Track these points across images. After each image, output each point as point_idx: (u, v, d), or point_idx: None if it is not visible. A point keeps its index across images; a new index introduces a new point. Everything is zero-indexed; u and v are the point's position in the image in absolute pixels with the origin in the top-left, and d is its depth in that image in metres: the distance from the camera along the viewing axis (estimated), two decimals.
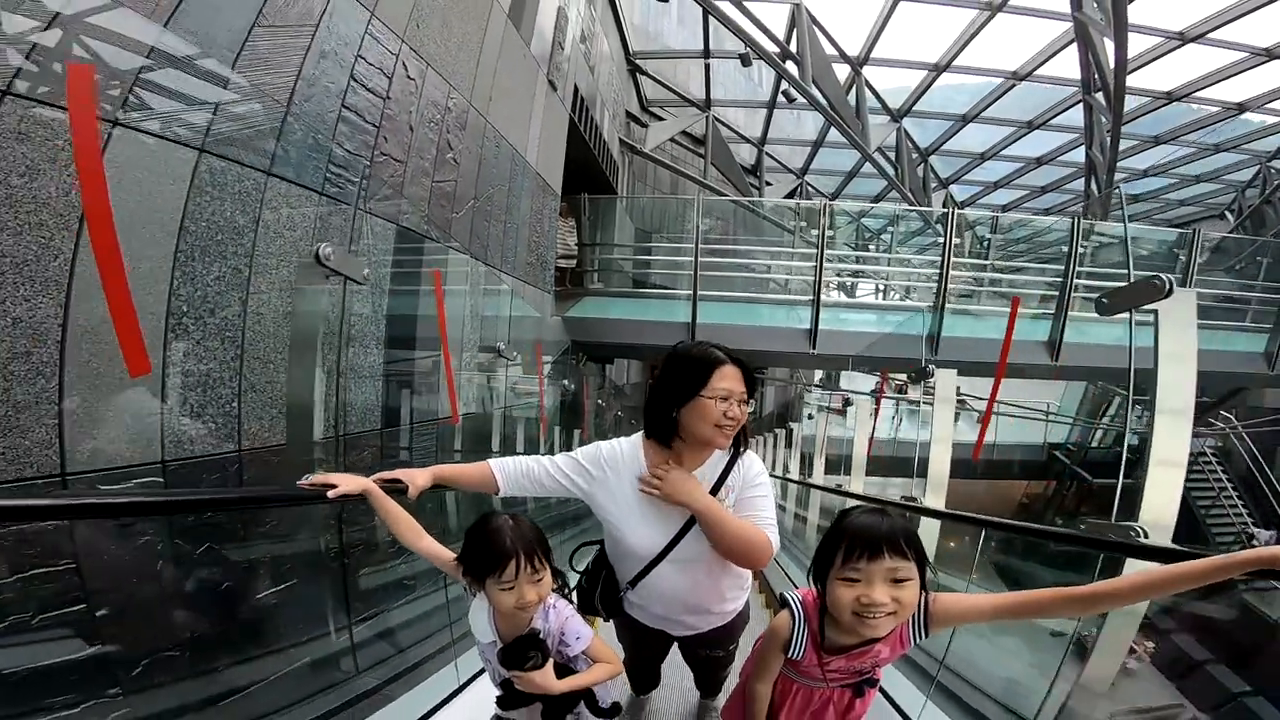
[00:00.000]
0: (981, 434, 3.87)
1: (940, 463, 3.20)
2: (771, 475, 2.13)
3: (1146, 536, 1.59)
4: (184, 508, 1.82)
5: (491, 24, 4.55)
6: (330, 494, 1.47)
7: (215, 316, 2.14)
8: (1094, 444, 15.76)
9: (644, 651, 2.05)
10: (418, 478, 1.62)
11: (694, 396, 1.54)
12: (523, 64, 5.27)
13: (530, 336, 5.90)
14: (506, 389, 5.24)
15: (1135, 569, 1.41)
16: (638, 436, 1.72)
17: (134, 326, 1.66)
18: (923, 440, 4.48)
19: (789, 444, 10.26)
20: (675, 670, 2.25)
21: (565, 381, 7.30)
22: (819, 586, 1.33)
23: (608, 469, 1.67)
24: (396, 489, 1.58)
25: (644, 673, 2.26)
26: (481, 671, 2.26)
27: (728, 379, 1.55)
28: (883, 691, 2.26)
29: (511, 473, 1.70)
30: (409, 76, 3.48)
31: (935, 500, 3.12)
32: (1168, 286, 1.66)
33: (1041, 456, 14.68)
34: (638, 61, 11.07)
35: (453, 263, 4.07)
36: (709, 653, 1.97)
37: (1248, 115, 12.88)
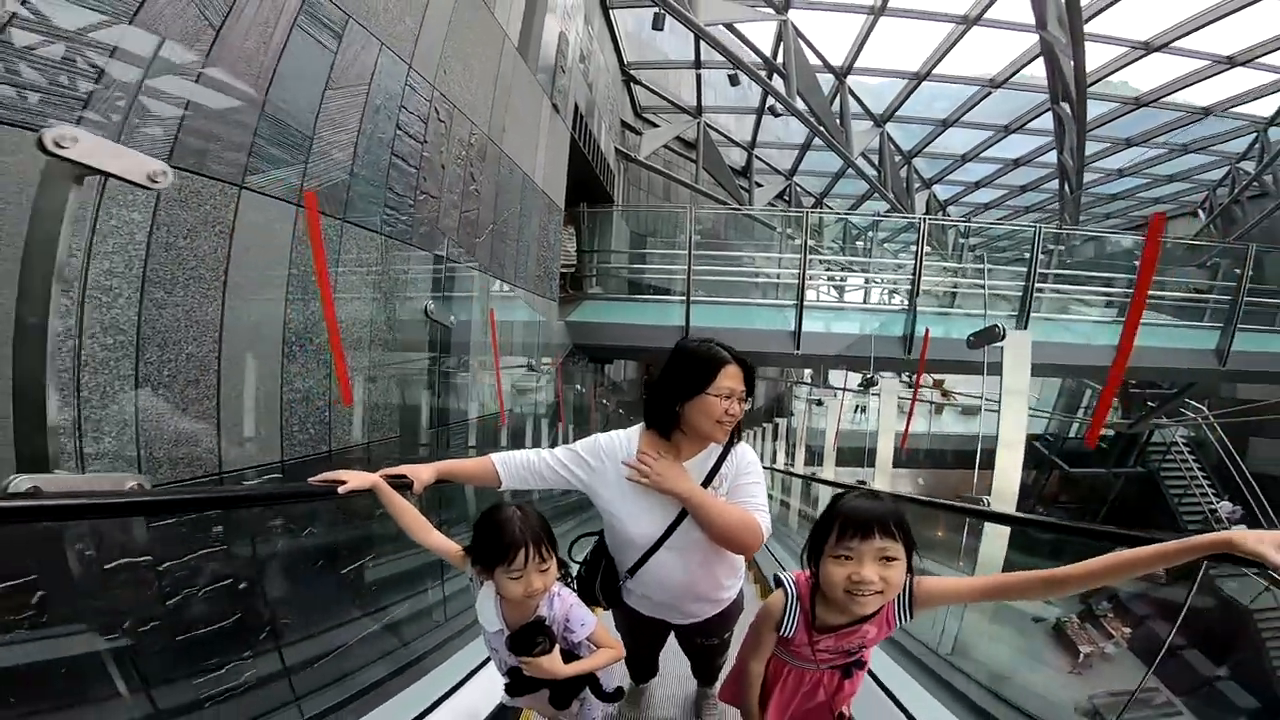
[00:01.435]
0: (906, 428, 4.48)
1: (885, 451, 3.84)
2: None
3: (989, 505, 2.19)
4: (209, 504, 1.94)
5: (504, 59, 5.02)
6: (340, 490, 1.52)
7: (313, 343, 2.65)
8: (1071, 434, 16.45)
9: (642, 640, 2.09)
10: (422, 473, 1.67)
11: (699, 393, 1.61)
12: (530, 92, 5.74)
13: (539, 341, 6.45)
14: (534, 390, 5.89)
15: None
16: (637, 429, 1.78)
17: (345, 374, 2.30)
18: (893, 431, 5.09)
19: (776, 437, 10.85)
20: (673, 658, 2.31)
21: (578, 386, 7.90)
22: (813, 566, 1.37)
23: (606, 460, 1.73)
24: (402, 484, 1.63)
25: (643, 662, 2.30)
26: (485, 662, 2.45)
27: (730, 378, 1.63)
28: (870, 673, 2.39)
29: (513, 467, 1.76)
30: (440, 119, 3.96)
31: (882, 483, 3.73)
32: (1003, 332, 2.37)
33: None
34: (632, 72, 11.54)
35: (478, 281, 4.59)
36: (705, 641, 2.02)
37: (1214, 117, 13.49)
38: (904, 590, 1.34)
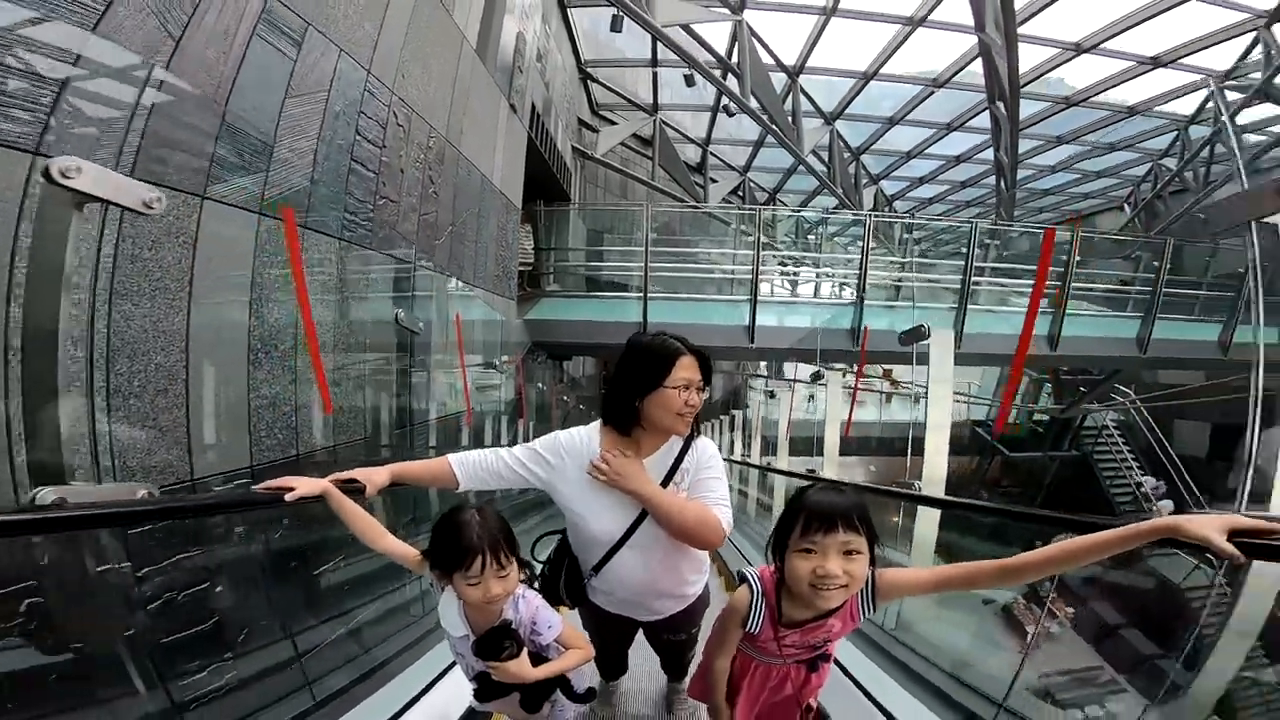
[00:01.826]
0: (849, 417, 4.79)
1: (832, 440, 4.13)
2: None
3: (920, 489, 2.41)
4: (151, 516, 1.78)
5: (462, 61, 5.04)
6: (288, 497, 1.46)
7: (278, 350, 2.69)
8: (1011, 420, 17.23)
9: (609, 638, 2.05)
10: (375, 476, 1.63)
11: (656, 387, 1.60)
12: (488, 93, 5.77)
13: (499, 339, 6.53)
14: (495, 388, 6.00)
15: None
16: (595, 425, 1.75)
17: (324, 381, 2.43)
18: (839, 421, 5.36)
19: (733, 428, 11.14)
20: (642, 655, 2.29)
21: (538, 383, 8.00)
22: (777, 561, 1.36)
23: (567, 457, 1.70)
24: (354, 489, 1.59)
25: (611, 659, 2.26)
26: (454, 664, 2.32)
27: (686, 369, 1.62)
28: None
29: (469, 467, 1.72)
30: (398, 124, 3.99)
31: (830, 471, 4.00)
32: (928, 331, 2.64)
33: (964, 433, 15.94)
34: (589, 70, 11.59)
35: (437, 283, 4.64)
36: (672, 637, 2.00)
37: (1139, 116, 14.29)
38: (866, 583, 1.35)
